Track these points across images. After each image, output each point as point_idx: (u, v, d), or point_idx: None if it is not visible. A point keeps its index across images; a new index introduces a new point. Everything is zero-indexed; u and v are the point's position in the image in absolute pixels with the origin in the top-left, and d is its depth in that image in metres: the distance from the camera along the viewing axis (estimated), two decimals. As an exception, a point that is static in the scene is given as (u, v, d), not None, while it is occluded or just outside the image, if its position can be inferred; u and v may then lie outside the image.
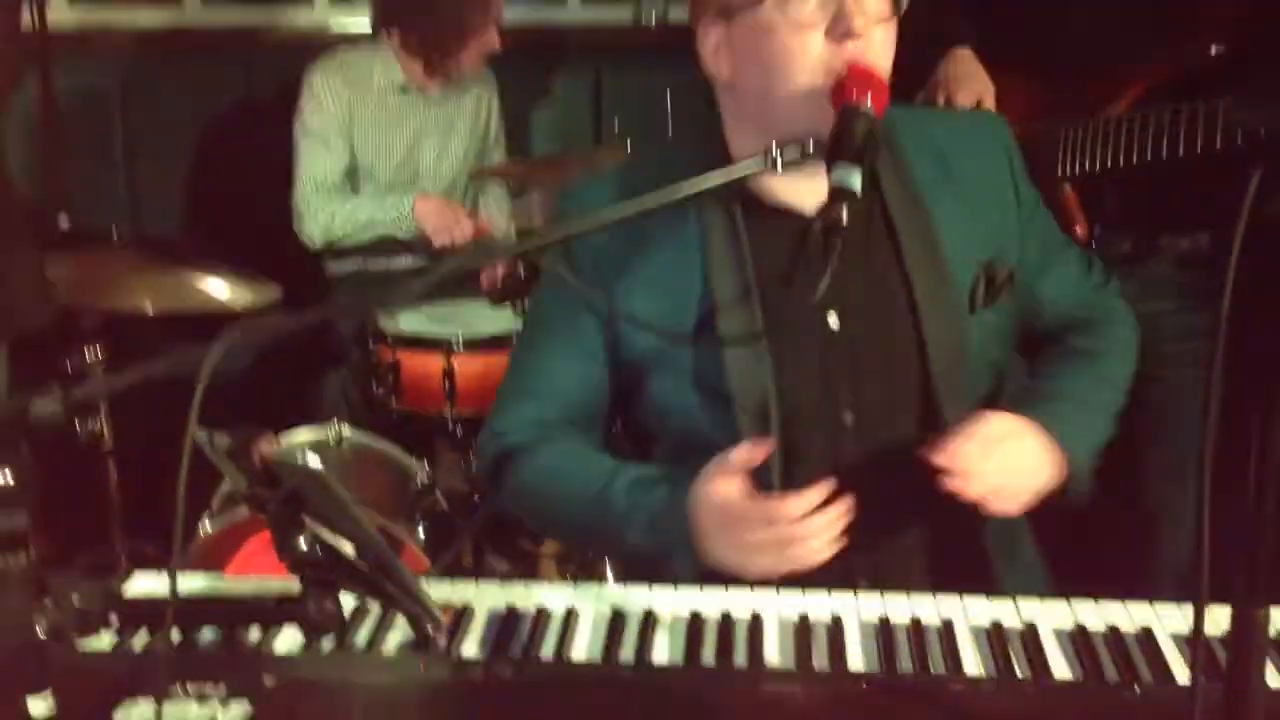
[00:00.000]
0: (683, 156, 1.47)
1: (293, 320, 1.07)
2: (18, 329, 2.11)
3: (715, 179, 1.21)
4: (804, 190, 1.45)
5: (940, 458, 1.33)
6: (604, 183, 1.57)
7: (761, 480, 1.43)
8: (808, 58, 1.36)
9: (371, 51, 3.23)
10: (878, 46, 1.38)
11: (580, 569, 2.84)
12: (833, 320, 1.49)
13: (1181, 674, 1.21)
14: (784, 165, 1.23)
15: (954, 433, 1.37)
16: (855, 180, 1.22)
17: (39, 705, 1.00)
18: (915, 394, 1.49)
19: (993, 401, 1.52)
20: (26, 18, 3.23)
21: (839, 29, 1.34)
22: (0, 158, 2.18)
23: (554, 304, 1.59)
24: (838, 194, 1.22)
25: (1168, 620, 1.31)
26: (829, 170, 1.24)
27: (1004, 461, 1.37)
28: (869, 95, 1.30)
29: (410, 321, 2.83)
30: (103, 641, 1.23)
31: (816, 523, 1.29)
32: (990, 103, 2.17)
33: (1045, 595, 1.37)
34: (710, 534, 1.35)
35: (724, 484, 1.34)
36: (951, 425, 1.41)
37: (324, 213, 3.17)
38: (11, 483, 0.95)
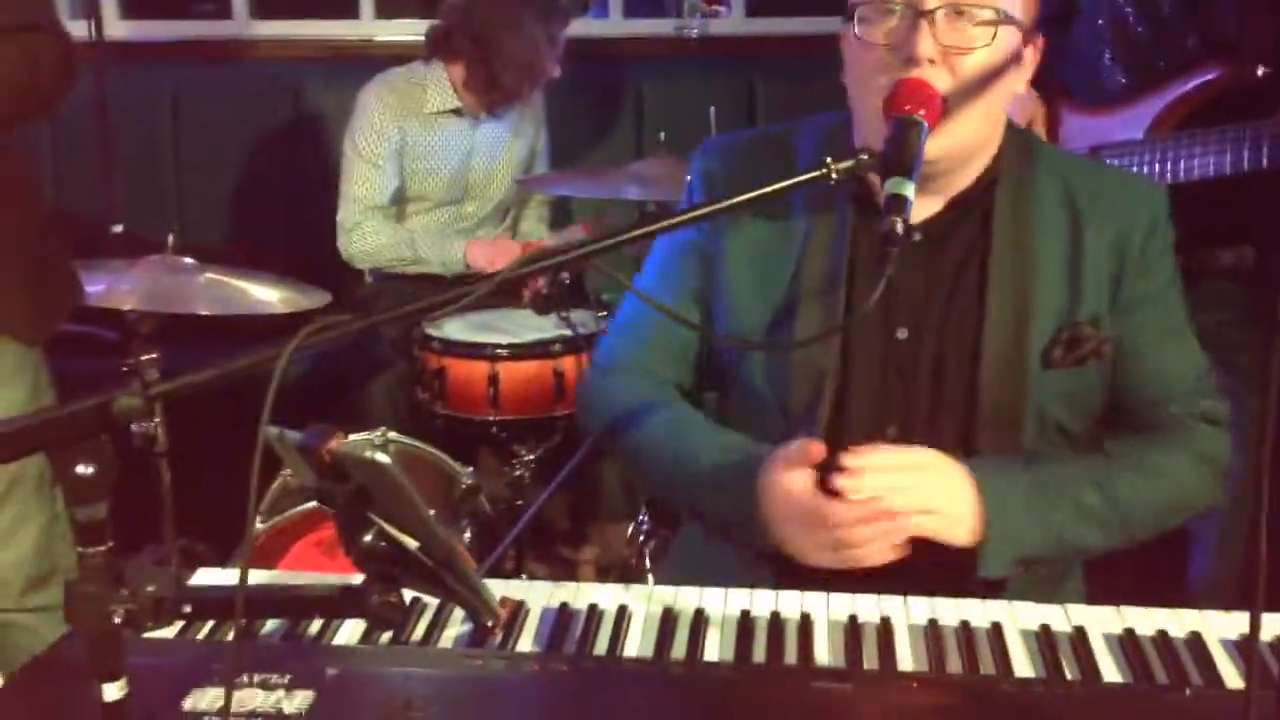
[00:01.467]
0: (817, 140, 1.54)
1: (361, 323, 1.10)
2: (54, 328, 2.16)
3: (777, 189, 1.23)
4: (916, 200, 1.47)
5: (847, 461, 1.33)
6: (744, 137, 1.65)
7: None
8: (874, 77, 1.39)
9: (425, 72, 3.26)
10: (963, 73, 1.38)
11: (622, 576, 2.86)
12: (901, 331, 1.50)
13: (1231, 678, 1.22)
14: (838, 175, 1.25)
15: (882, 448, 1.38)
16: (908, 190, 1.24)
17: (113, 691, 1.03)
18: (958, 426, 1.49)
19: None
20: (82, 29, 3.30)
21: (903, 53, 1.37)
22: (31, 163, 2.24)
23: (664, 248, 1.66)
24: (891, 204, 1.23)
25: (1216, 626, 1.32)
26: (882, 181, 1.26)
27: (907, 487, 1.35)
28: (920, 108, 1.32)
29: (456, 329, 2.87)
30: (170, 631, 1.26)
31: (869, 532, 1.33)
32: (1040, 125, 2.19)
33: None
34: (773, 521, 1.40)
35: (790, 476, 1.38)
36: None
37: (372, 238, 3.21)
38: (94, 475, 0.98)
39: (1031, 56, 1.48)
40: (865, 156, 1.27)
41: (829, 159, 1.25)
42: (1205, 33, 2.04)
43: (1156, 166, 2.04)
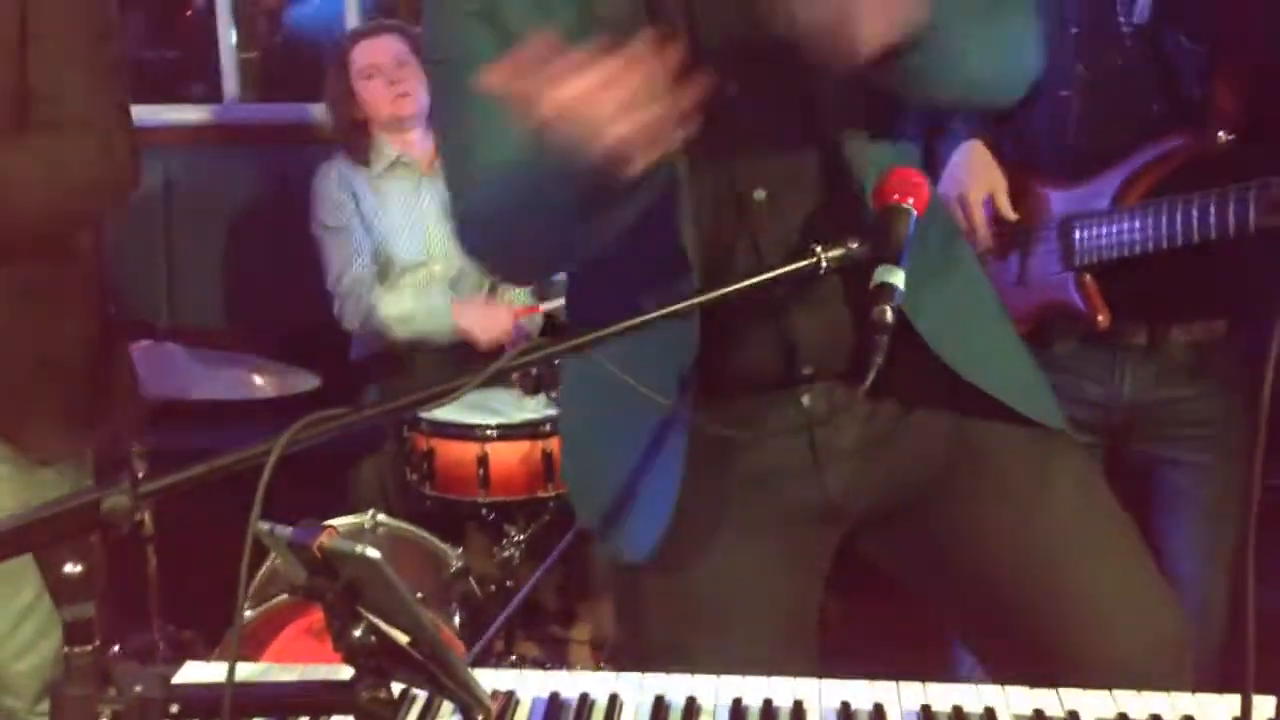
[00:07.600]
0: None
1: (352, 418, 1.11)
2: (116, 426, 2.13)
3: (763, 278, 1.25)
4: None
5: None
6: None
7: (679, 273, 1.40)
8: None
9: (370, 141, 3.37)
10: None
11: (611, 656, 2.84)
12: (730, 88, 1.36)
13: (1226, 764, 1.21)
14: (828, 264, 1.26)
15: None
16: (898, 278, 1.24)
17: (101, 793, 1.02)
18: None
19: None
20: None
21: None
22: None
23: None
24: (879, 293, 1.24)
25: (1209, 709, 1.31)
26: (871, 270, 1.27)
27: None
28: (909, 197, 1.33)
29: (444, 410, 2.87)
30: (158, 730, 1.25)
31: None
32: (1003, 197, 2.20)
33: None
34: None
35: None
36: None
37: (363, 302, 3.23)
38: (81, 574, 0.98)
39: None
40: (856, 245, 1.28)
41: (817, 245, 1.27)
42: (1171, 102, 2.07)
43: (1136, 234, 2.04)
